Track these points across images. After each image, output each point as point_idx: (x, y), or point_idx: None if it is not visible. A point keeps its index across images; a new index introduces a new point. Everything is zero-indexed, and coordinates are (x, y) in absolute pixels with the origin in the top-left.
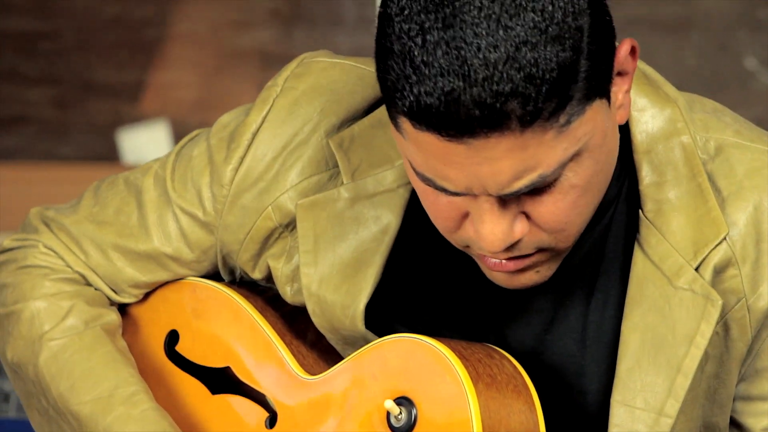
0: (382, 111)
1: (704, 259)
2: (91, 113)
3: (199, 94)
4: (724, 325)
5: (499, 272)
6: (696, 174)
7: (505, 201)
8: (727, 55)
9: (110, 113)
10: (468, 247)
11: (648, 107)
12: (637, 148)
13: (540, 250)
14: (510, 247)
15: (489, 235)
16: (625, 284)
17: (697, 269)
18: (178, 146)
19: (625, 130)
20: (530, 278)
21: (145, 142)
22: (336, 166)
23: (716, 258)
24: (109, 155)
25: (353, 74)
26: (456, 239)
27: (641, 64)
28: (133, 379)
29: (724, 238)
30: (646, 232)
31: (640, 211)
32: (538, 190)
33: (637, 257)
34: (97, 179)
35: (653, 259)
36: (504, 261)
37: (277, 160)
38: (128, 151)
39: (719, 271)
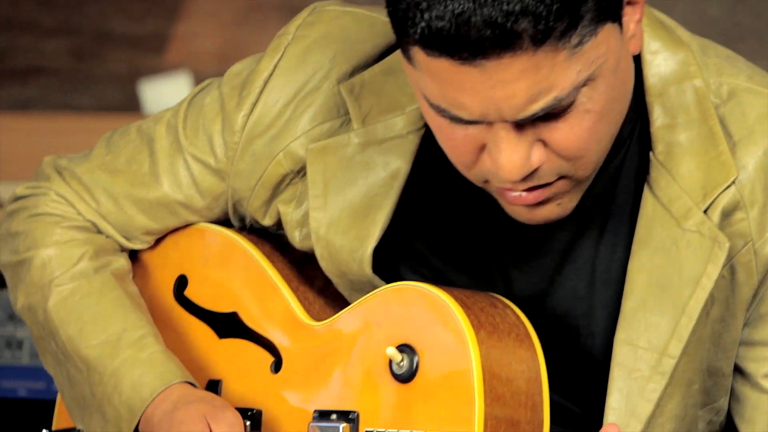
0: (392, 58)
1: (713, 202)
2: (108, 64)
3: (221, 46)
4: (730, 268)
5: (520, 206)
6: (707, 117)
7: (521, 127)
8: (746, 7)
9: (128, 64)
10: (487, 182)
11: (661, 50)
12: (650, 91)
13: (560, 177)
14: (529, 176)
15: (507, 163)
16: (634, 226)
17: (705, 212)
18: (190, 95)
19: (637, 73)
20: (551, 211)
21: (167, 94)
22: (347, 113)
23: (725, 201)
24: (127, 106)
25: (364, 22)
26: (475, 175)
27: (656, 12)
28: (141, 323)
29: (733, 182)
30: (656, 174)
31: (650, 153)
32: (554, 115)
33: (647, 198)
34: (105, 130)
35: (662, 201)
36: (524, 194)
37: (289, 107)
38: (150, 103)
39: (727, 214)
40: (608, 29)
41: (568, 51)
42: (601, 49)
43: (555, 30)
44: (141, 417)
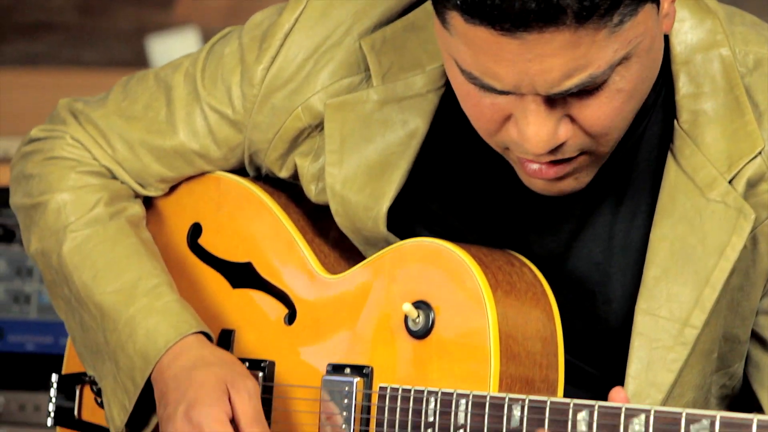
0: (416, 14)
1: (738, 172)
2: (116, 19)
3: (229, 1)
4: (752, 238)
5: (539, 179)
6: (734, 87)
7: (551, 102)
8: None
9: (136, 19)
10: (507, 150)
11: (688, 18)
12: (676, 59)
13: (582, 153)
14: (553, 151)
15: (534, 136)
16: (656, 194)
17: (730, 182)
18: (210, 43)
19: (664, 40)
20: (569, 185)
21: (175, 49)
22: (367, 69)
23: (750, 171)
24: (134, 61)
25: None
26: (496, 141)
27: None
28: (156, 271)
29: (759, 153)
30: (681, 142)
31: (675, 121)
32: (586, 92)
33: (670, 167)
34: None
35: (686, 170)
36: (545, 168)
37: (309, 62)
38: (158, 58)
39: (752, 184)
40: (648, 9)
41: (609, 29)
42: (639, 29)
43: (599, 8)
44: (155, 367)
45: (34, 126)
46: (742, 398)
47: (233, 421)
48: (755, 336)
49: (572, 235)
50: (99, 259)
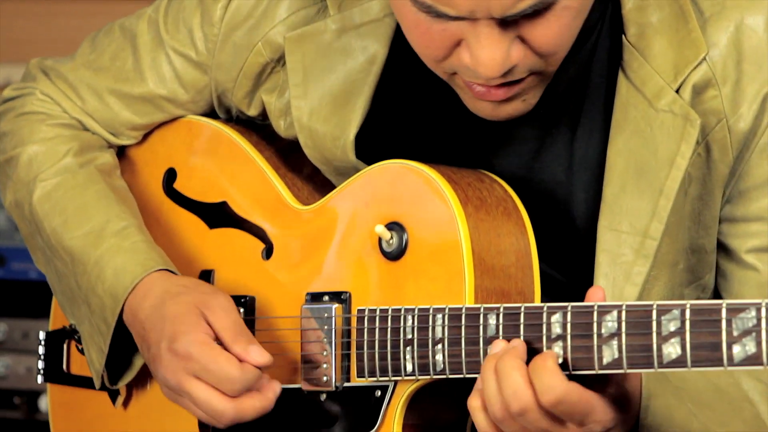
0: None
1: (684, 80)
2: None
3: None
4: (705, 146)
5: (485, 102)
6: None
7: (504, 24)
8: None
9: None
10: (454, 75)
11: None
12: None
13: (530, 74)
14: (504, 74)
15: (489, 60)
16: (610, 111)
17: (677, 91)
18: None
19: None
20: (516, 108)
21: None
22: (323, 0)
23: (696, 78)
24: None
25: None
26: (443, 68)
27: None
28: (125, 215)
29: (704, 59)
30: (629, 56)
31: (623, 36)
32: (537, 12)
33: (621, 82)
34: (121, 12)
35: (635, 83)
36: (493, 90)
37: None
38: None
39: (699, 91)
40: None
41: None
42: None
43: None
44: (124, 306)
45: (33, 52)
46: None
47: (217, 341)
48: (721, 245)
49: (533, 155)
50: (68, 205)
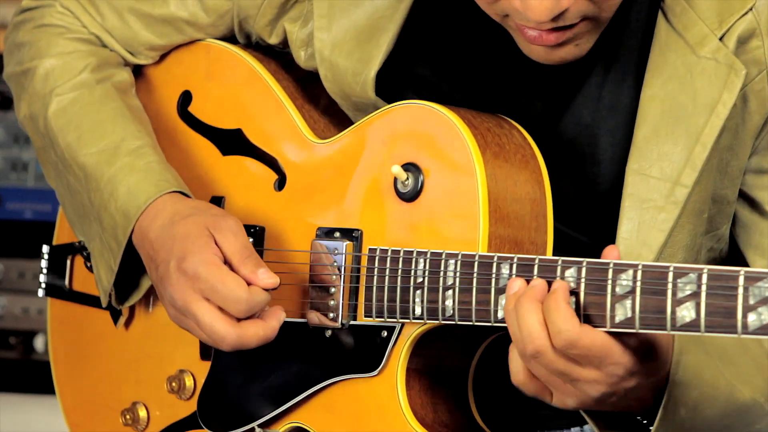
0: None
1: (729, 29)
2: None
3: None
4: (743, 96)
5: (538, 46)
6: None
7: None
8: None
9: None
10: (507, 17)
11: None
12: None
13: (583, 19)
14: (555, 18)
15: (538, 4)
16: (646, 54)
17: (721, 39)
18: None
19: None
20: (569, 52)
21: None
22: None
23: (741, 28)
24: None
25: None
26: (496, 9)
27: None
28: (141, 134)
29: (751, 9)
30: (672, 1)
31: None
32: None
33: (661, 25)
34: None
35: (677, 28)
36: (545, 34)
37: None
38: None
39: (743, 41)
40: None
41: None
42: None
43: None
44: (135, 225)
45: None
46: (729, 262)
47: (226, 263)
48: (742, 196)
49: (561, 98)
50: (83, 121)
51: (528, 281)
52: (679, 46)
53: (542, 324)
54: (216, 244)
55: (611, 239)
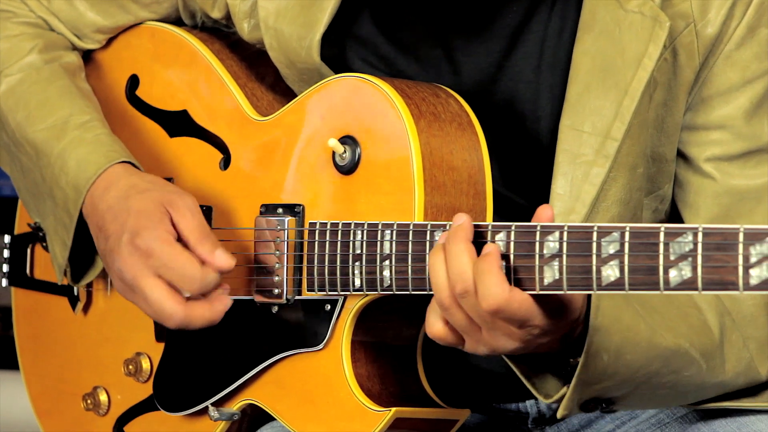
0: None
1: None
2: None
3: None
4: (672, 50)
5: None
6: None
7: None
8: None
9: None
10: None
11: None
12: None
13: None
14: None
15: None
16: (581, 9)
17: None
18: None
19: None
20: None
21: None
22: None
23: None
24: None
25: None
26: None
27: None
28: (89, 109)
29: None
30: None
31: None
32: None
33: None
34: None
35: None
36: None
37: None
38: None
39: None
40: None
41: None
42: None
43: None
44: (86, 197)
45: None
46: (671, 222)
47: (180, 242)
48: (680, 153)
49: (503, 53)
50: (32, 99)
51: None
52: (608, 1)
53: (472, 264)
54: (172, 221)
55: (548, 200)
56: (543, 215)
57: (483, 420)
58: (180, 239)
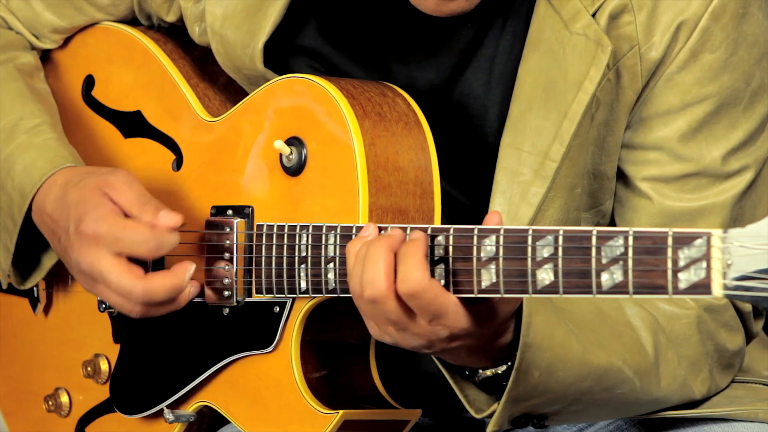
0: None
1: (601, 5)
2: None
3: None
4: (616, 71)
5: None
6: None
7: None
8: None
9: None
10: None
11: None
12: None
13: None
14: None
15: None
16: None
17: (594, 15)
18: None
19: None
20: (459, 5)
21: None
22: None
23: (613, 4)
24: None
25: None
26: None
27: None
28: (40, 113)
29: None
30: None
31: None
32: None
33: (540, 1)
34: None
35: (553, 4)
36: None
37: None
38: None
39: (614, 17)
40: None
41: None
42: None
43: None
44: (32, 203)
45: None
46: None
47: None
48: (618, 171)
49: (455, 67)
50: None
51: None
52: (555, 21)
53: (388, 272)
54: (111, 200)
55: (489, 202)
56: (491, 221)
57: (438, 423)
58: (126, 215)
